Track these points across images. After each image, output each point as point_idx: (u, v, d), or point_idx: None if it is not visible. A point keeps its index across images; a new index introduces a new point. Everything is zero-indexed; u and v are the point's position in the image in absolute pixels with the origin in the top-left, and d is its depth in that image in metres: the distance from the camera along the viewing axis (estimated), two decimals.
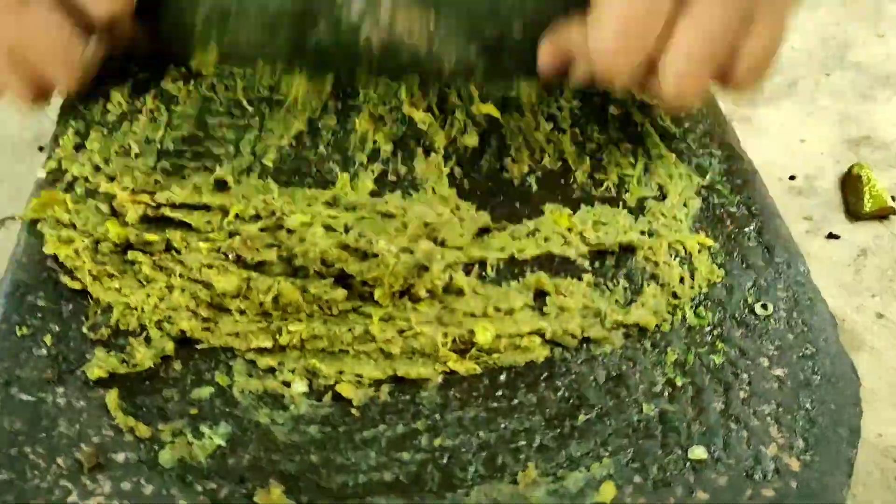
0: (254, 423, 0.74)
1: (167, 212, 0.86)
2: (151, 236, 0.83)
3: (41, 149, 1.71)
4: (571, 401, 0.77)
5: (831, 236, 1.54)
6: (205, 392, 0.77)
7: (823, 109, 1.80)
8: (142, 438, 0.71)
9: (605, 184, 1.06)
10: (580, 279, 0.87)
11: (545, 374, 0.80)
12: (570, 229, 0.91)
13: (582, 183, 1.06)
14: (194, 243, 0.83)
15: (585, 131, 1.14)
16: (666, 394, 0.76)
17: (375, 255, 0.82)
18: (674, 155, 1.10)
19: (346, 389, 0.78)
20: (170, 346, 0.79)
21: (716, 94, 1.02)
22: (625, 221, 0.93)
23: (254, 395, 0.76)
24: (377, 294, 0.83)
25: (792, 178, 1.67)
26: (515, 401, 0.77)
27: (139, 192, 0.91)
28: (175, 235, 0.84)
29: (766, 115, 1.81)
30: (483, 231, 0.92)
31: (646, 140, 1.13)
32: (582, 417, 0.76)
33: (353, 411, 0.76)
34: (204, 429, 0.74)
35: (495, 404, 0.77)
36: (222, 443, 0.73)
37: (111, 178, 0.94)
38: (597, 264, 0.90)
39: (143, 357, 0.78)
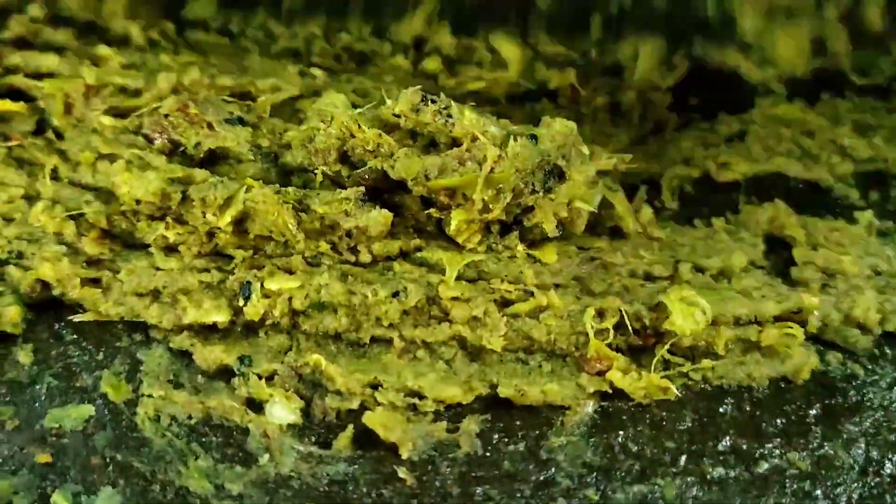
0: (176, 489, 0.43)
1: (16, 81, 0.65)
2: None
3: None
4: (891, 470, 0.47)
5: None
6: (75, 415, 0.47)
7: None
8: None
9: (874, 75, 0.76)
10: (851, 221, 0.65)
11: (817, 406, 0.50)
12: (810, 132, 0.67)
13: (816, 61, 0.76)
14: (90, 116, 0.60)
15: None
16: None
17: (456, 144, 0.54)
18: None
19: (384, 422, 0.47)
20: (13, 314, 0.50)
21: None
22: None
23: (181, 425, 0.45)
24: (454, 223, 0.55)
25: None
26: (763, 465, 0.47)
27: None
28: (49, 97, 0.62)
29: None
30: (655, 132, 0.69)
31: None
32: None
33: (402, 473, 0.45)
34: (61, 499, 0.42)
35: (720, 470, 0.48)
36: None
37: None
38: (874, 195, 0.66)
39: None
